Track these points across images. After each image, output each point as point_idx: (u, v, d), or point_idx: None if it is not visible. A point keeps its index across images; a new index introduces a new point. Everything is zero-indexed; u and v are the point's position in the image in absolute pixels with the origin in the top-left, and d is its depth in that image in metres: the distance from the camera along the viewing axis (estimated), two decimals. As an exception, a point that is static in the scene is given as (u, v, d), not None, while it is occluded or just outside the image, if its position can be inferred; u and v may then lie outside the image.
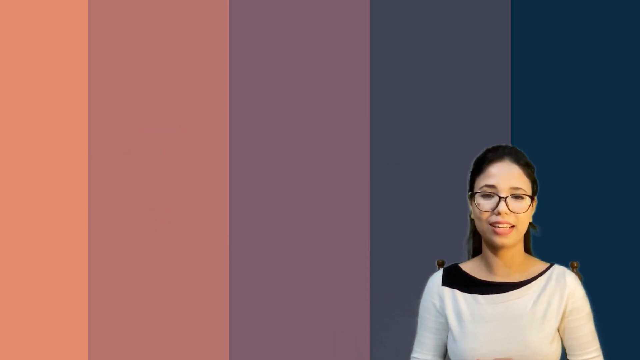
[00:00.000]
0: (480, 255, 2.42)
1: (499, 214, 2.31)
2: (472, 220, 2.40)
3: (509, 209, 2.31)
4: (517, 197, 2.32)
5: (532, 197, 2.35)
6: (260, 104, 3.81)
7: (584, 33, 3.78)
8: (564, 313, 2.35)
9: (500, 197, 2.31)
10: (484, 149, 2.41)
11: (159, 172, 3.72)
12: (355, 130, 3.83)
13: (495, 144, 2.42)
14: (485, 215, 2.32)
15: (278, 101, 3.81)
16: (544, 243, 2.47)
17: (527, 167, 2.36)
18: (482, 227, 2.35)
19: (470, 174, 2.40)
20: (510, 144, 2.44)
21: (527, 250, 2.43)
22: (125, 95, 3.71)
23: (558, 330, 2.35)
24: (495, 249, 2.36)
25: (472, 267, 2.42)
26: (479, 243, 2.43)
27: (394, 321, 3.70)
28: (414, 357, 2.45)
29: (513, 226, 2.32)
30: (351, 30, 3.82)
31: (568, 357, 2.39)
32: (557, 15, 3.80)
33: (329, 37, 3.82)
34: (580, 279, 2.46)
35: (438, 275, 2.45)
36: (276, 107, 3.81)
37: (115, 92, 3.70)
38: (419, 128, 3.87)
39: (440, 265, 2.58)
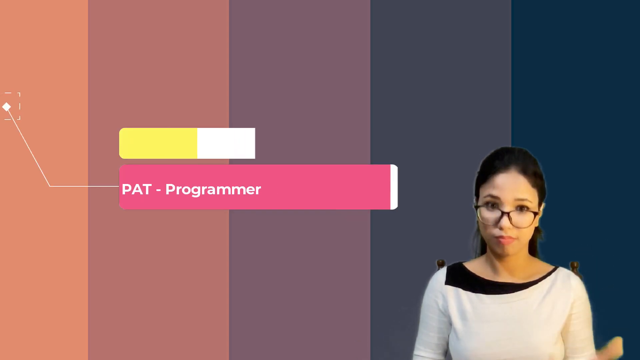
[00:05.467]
0: (485, 255, 2.42)
1: (501, 228, 2.29)
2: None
3: (511, 224, 2.29)
4: (521, 209, 2.30)
5: (535, 213, 2.32)
6: (260, 104, 3.80)
7: (584, 33, 3.78)
8: (568, 316, 2.35)
9: (503, 213, 2.29)
10: (492, 151, 2.38)
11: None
12: (355, 131, 3.83)
13: (497, 145, 2.39)
14: (488, 228, 2.31)
15: (278, 101, 3.81)
16: (544, 243, 2.47)
17: (534, 177, 2.32)
18: (485, 235, 2.35)
19: (475, 180, 2.37)
20: (510, 145, 2.42)
21: (533, 252, 2.42)
22: (125, 94, 3.70)
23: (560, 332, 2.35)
24: (498, 254, 2.36)
25: (476, 267, 2.41)
26: (485, 240, 2.42)
27: (394, 321, 3.70)
28: (417, 355, 2.44)
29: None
30: (351, 30, 3.81)
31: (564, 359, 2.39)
32: (557, 15, 3.80)
33: (329, 38, 3.81)
34: (581, 278, 2.46)
35: (441, 274, 2.44)
36: (276, 107, 3.81)
37: (116, 91, 3.69)
38: (419, 128, 3.86)
39: (440, 265, 2.58)
